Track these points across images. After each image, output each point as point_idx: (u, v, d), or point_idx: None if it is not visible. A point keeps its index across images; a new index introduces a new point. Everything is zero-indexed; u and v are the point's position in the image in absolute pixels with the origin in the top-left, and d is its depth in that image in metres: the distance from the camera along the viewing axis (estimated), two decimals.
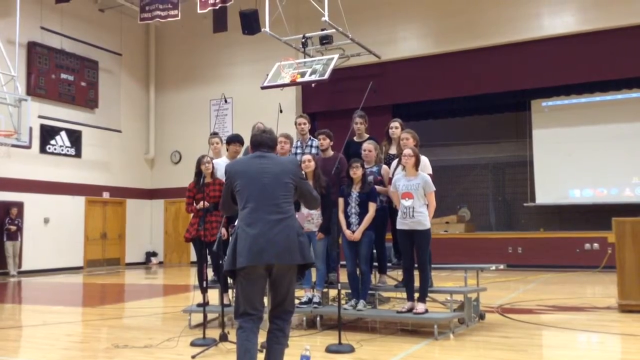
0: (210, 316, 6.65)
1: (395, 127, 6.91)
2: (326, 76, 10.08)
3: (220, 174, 7.03)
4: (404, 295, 6.32)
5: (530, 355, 5.22)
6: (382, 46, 15.76)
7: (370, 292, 6.58)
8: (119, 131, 18.79)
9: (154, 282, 14.15)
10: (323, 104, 16.41)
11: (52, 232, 16.40)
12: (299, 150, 7.22)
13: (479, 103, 16.13)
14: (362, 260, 6.25)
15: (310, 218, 6.32)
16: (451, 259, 12.57)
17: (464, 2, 15.64)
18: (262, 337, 3.95)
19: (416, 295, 6.06)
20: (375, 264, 6.70)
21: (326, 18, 11.90)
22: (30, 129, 13.48)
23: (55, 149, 16.75)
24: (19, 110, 12.90)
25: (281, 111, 7.06)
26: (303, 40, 13.38)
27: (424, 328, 6.25)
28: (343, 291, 6.49)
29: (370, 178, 6.51)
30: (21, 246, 15.33)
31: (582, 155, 15.12)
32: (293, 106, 16.71)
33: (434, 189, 6.08)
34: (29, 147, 13.82)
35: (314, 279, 6.57)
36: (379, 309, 6.97)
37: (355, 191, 6.31)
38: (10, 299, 10.88)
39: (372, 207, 6.24)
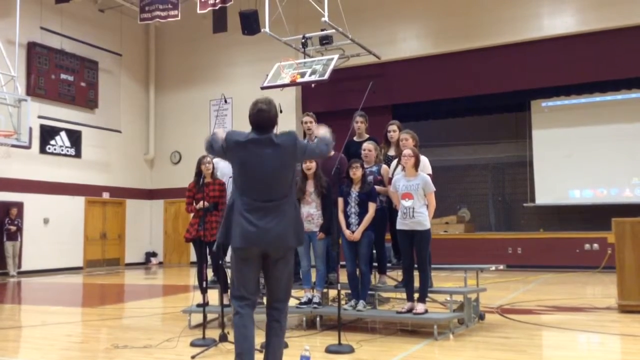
0: (210, 316, 6.64)
1: (393, 130, 6.91)
2: (326, 76, 10.08)
3: (220, 174, 7.04)
4: (404, 295, 6.32)
5: (530, 356, 5.22)
6: (381, 46, 15.76)
7: (370, 292, 6.57)
8: (119, 131, 18.80)
9: (153, 283, 14.14)
10: (323, 104, 16.40)
11: (52, 232, 16.39)
12: None
13: (478, 103, 16.13)
14: (362, 260, 6.25)
15: (310, 218, 6.32)
16: (451, 259, 12.55)
17: (464, 3, 15.65)
18: (261, 338, 3.95)
19: (416, 295, 6.06)
20: (375, 264, 6.69)
21: (326, 18, 11.89)
22: (30, 129, 13.48)
23: (55, 149, 16.75)
24: (18, 111, 12.89)
25: (281, 111, 7.04)
26: (303, 40, 13.36)
27: (423, 328, 6.25)
28: (343, 291, 6.49)
29: (370, 178, 6.51)
30: (21, 246, 15.33)
31: (582, 156, 15.12)
32: (293, 106, 16.72)
33: (434, 189, 6.09)
34: (28, 147, 13.82)
35: (313, 279, 6.57)
36: (379, 309, 6.97)
37: (354, 191, 6.31)
38: (10, 299, 10.87)
39: (371, 207, 6.24)
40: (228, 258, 5.89)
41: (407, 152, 6.08)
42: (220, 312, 6.33)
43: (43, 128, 16.34)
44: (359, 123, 7.09)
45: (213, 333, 5.76)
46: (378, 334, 6.14)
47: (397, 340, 5.87)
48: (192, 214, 7.01)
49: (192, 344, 5.59)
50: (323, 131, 4.16)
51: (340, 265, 6.62)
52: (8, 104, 12.78)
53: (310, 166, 6.29)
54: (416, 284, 6.08)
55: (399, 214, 6.08)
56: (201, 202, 6.52)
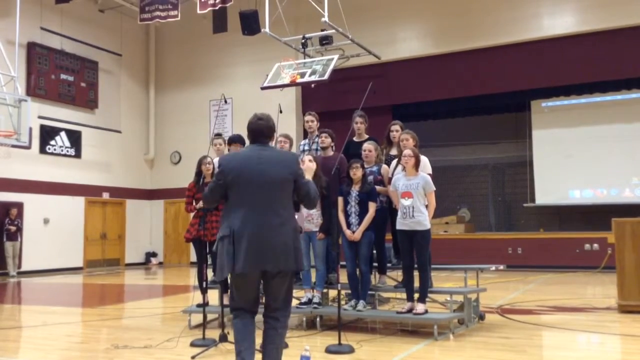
0: (210, 317, 6.64)
1: (396, 130, 6.92)
2: (326, 77, 10.07)
3: None
4: (404, 295, 6.32)
5: (530, 356, 5.22)
6: (381, 47, 15.76)
7: (370, 292, 6.57)
8: (119, 132, 18.80)
9: (153, 283, 14.15)
10: (323, 104, 16.37)
11: (52, 232, 16.39)
12: (306, 148, 7.23)
13: (478, 103, 16.14)
14: (362, 260, 6.25)
15: (310, 218, 6.33)
16: (451, 259, 12.56)
17: (464, 3, 15.65)
18: (261, 338, 3.94)
19: (416, 295, 6.06)
20: (375, 264, 6.70)
21: (326, 19, 11.89)
22: (30, 129, 13.47)
23: (55, 150, 16.75)
24: (18, 111, 12.89)
25: (281, 112, 7.05)
26: (303, 40, 13.36)
27: (423, 328, 6.25)
28: (343, 292, 6.49)
29: (370, 178, 6.52)
30: (21, 246, 15.33)
31: (581, 156, 15.13)
32: (293, 107, 16.73)
33: (434, 188, 6.09)
34: (28, 147, 13.81)
35: (313, 279, 6.57)
36: (379, 309, 6.97)
37: (355, 190, 6.31)
38: (10, 300, 10.88)
39: (372, 206, 6.24)
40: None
41: (407, 152, 6.08)
42: (220, 312, 6.33)
43: (43, 128, 16.34)
44: (359, 123, 7.10)
45: (213, 333, 5.76)
46: (378, 334, 6.14)
47: (397, 340, 5.87)
48: (192, 214, 7.01)
49: (192, 344, 5.59)
50: (309, 177, 4.15)
51: (340, 266, 6.62)
52: (8, 104, 12.77)
53: (310, 165, 6.27)
54: (416, 284, 6.08)
55: (399, 213, 6.08)
56: (201, 202, 6.52)
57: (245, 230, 3.71)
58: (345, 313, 6.11)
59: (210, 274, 6.80)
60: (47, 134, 16.50)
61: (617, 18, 14.05)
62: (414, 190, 5.97)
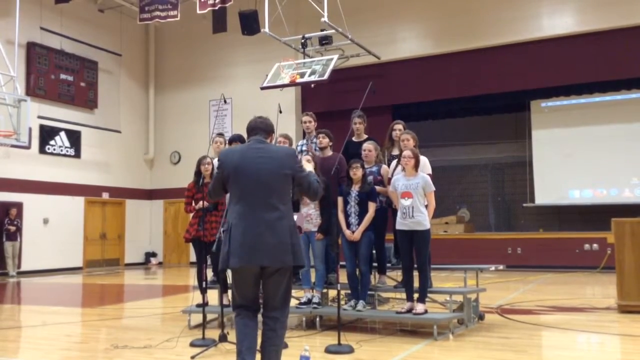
0: (209, 317, 6.64)
1: (398, 129, 6.92)
2: (326, 77, 10.07)
3: None
4: (404, 295, 6.32)
5: (530, 356, 5.22)
6: (381, 47, 15.76)
7: (369, 292, 6.57)
8: (119, 132, 18.79)
9: (153, 283, 14.14)
10: (322, 104, 16.41)
11: (52, 232, 16.39)
12: (304, 148, 7.23)
13: (478, 104, 16.15)
14: (362, 260, 6.25)
15: (309, 218, 6.32)
16: (450, 259, 12.58)
17: (464, 3, 15.65)
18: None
19: (415, 295, 6.06)
20: (375, 264, 6.70)
21: (326, 19, 11.89)
22: (30, 129, 13.49)
23: (54, 150, 16.75)
24: (18, 111, 12.89)
25: (281, 112, 7.05)
26: (302, 40, 13.36)
27: (423, 328, 6.25)
28: (342, 292, 6.49)
29: (370, 178, 6.52)
30: (20, 246, 15.33)
31: (581, 156, 15.13)
32: (293, 107, 16.72)
33: (434, 188, 6.09)
34: (28, 147, 13.83)
35: (313, 279, 6.57)
36: (379, 309, 6.97)
37: (354, 190, 6.31)
38: (10, 300, 10.87)
39: (371, 206, 6.24)
40: None
41: (406, 153, 6.08)
42: (220, 313, 6.33)
43: (43, 128, 16.34)
44: (358, 124, 7.10)
45: (213, 333, 5.76)
46: (378, 334, 6.14)
47: (397, 340, 5.87)
48: (191, 214, 7.01)
49: (192, 344, 5.59)
50: (310, 168, 4.20)
51: (340, 266, 6.62)
52: (8, 104, 12.78)
53: (308, 166, 6.27)
54: (416, 284, 6.08)
55: (399, 213, 6.08)
56: (201, 202, 6.52)
57: (241, 225, 3.72)
58: (344, 313, 6.11)
59: (209, 274, 6.81)
60: (47, 134, 16.50)
61: (616, 18, 14.06)
62: (413, 191, 5.98)
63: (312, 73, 10.17)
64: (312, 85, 12.67)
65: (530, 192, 15.99)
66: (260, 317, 3.90)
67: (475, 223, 17.56)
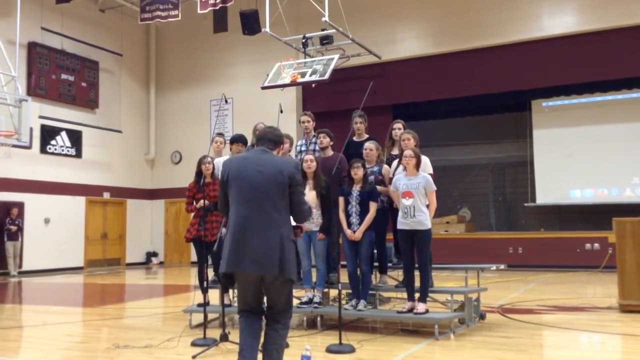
0: (210, 316, 6.63)
1: (398, 128, 6.93)
2: (326, 76, 10.08)
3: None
4: (405, 295, 6.32)
5: (531, 355, 5.22)
6: (382, 46, 15.76)
7: (370, 292, 6.57)
8: (120, 131, 18.80)
9: (154, 282, 14.15)
10: (323, 104, 16.41)
11: (53, 232, 16.40)
12: (303, 148, 7.22)
13: (479, 103, 16.13)
14: (363, 260, 6.25)
15: (310, 218, 6.32)
16: (452, 259, 12.56)
17: (464, 3, 15.64)
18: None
19: (417, 295, 6.05)
20: (376, 264, 6.70)
21: (326, 18, 11.90)
22: (31, 129, 13.49)
23: (55, 149, 16.76)
24: (19, 111, 12.91)
25: (281, 111, 7.07)
26: (303, 40, 13.37)
27: (424, 328, 6.25)
28: (343, 291, 6.48)
29: (371, 178, 6.52)
30: (22, 246, 15.34)
31: (582, 156, 15.12)
32: (293, 106, 16.72)
33: (435, 188, 6.09)
34: (29, 147, 13.83)
35: (314, 279, 6.57)
36: (380, 309, 6.97)
37: (356, 190, 6.31)
38: (11, 299, 10.88)
39: (372, 206, 6.24)
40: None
41: (407, 152, 6.08)
42: (221, 312, 6.32)
43: (44, 128, 16.35)
44: (358, 123, 7.09)
45: (214, 333, 5.76)
46: (379, 334, 6.14)
47: (398, 340, 5.87)
48: (192, 214, 7.01)
49: (193, 344, 5.59)
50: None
51: (341, 265, 6.61)
52: (9, 104, 12.80)
53: (311, 165, 6.29)
54: (417, 283, 6.07)
55: (400, 213, 6.08)
56: (201, 202, 6.52)
57: (234, 231, 3.74)
58: (346, 313, 6.11)
59: (210, 273, 6.81)
60: (48, 133, 16.51)
61: (617, 17, 14.05)
62: (414, 190, 5.98)
63: (313, 73, 10.19)
64: (313, 85, 12.68)
65: (531, 192, 15.98)
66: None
67: (476, 223, 17.56)
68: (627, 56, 13.88)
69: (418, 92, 16.07)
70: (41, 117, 16.17)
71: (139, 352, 5.45)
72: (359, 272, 6.32)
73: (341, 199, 6.40)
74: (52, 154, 16.66)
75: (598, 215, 14.46)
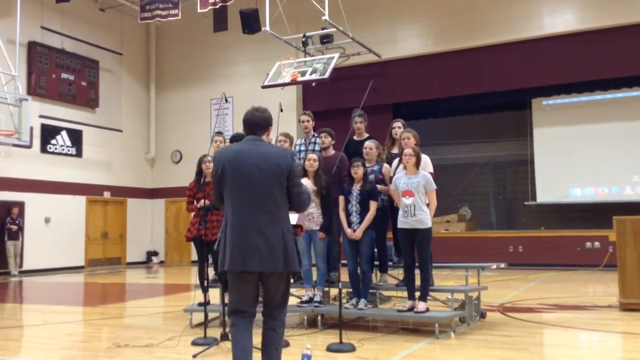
0: (211, 315, 6.63)
1: (398, 126, 6.94)
2: (327, 75, 10.09)
3: None
4: (405, 294, 6.32)
5: (532, 354, 5.22)
6: (382, 45, 15.75)
7: (371, 291, 6.57)
8: (120, 131, 18.80)
9: (154, 282, 14.16)
10: (323, 103, 16.41)
11: (53, 231, 16.40)
12: (302, 148, 7.22)
13: (479, 102, 16.12)
14: (363, 259, 6.25)
15: (310, 217, 6.32)
16: (452, 257, 12.57)
17: (465, 1, 15.62)
18: (257, 337, 3.94)
19: (417, 294, 6.06)
20: (376, 263, 6.70)
21: (326, 17, 11.89)
22: (31, 128, 13.50)
23: (56, 149, 16.76)
24: (19, 110, 12.91)
25: (282, 110, 7.04)
26: (303, 39, 13.36)
27: (425, 327, 6.25)
28: (344, 290, 6.49)
29: (371, 177, 6.51)
30: (22, 246, 15.34)
31: (583, 154, 15.11)
32: (294, 105, 16.72)
33: (435, 187, 6.09)
34: (29, 146, 13.83)
35: (314, 278, 6.57)
36: (380, 308, 6.97)
37: (356, 189, 6.31)
38: (12, 299, 10.89)
39: (373, 205, 6.24)
40: None
41: (407, 151, 6.08)
42: (221, 311, 6.32)
43: (44, 127, 16.35)
44: (358, 123, 7.09)
45: (214, 332, 5.77)
46: (379, 333, 6.14)
47: (399, 338, 5.87)
48: (192, 213, 7.01)
49: (194, 343, 5.59)
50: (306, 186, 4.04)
51: (341, 264, 6.61)
52: (9, 104, 12.80)
53: (314, 164, 6.29)
54: (417, 282, 6.08)
55: (400, 212, 6.08)
56: (202, 201, 6.52)
57: (234, 228, 3.63)
58: (346, 312, 6.11)
59: (211, 272, 6.81)
60: (48, 133, 16.51)
61: (617, 16, 14.03)
62: (415, 189, 5.98)
63: (313, 72, 10.20)
64: (313, 84, 12.68)
65: (531, 190, 15.98)
66: (258, 316, 3.85)
67: (476, 221, 17.56)
68: (628, 54, 13.87)
69: (418, 91, 16.05)
70: (41, 116, 16.17)
71: (139, 351, 5.45)
72: (359, 271, 6.33)
73: (341, 198, 6.40)
74: (53, 153, 16.66)
75: (598, 214, 14.46)
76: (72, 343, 6.18)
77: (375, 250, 6.56)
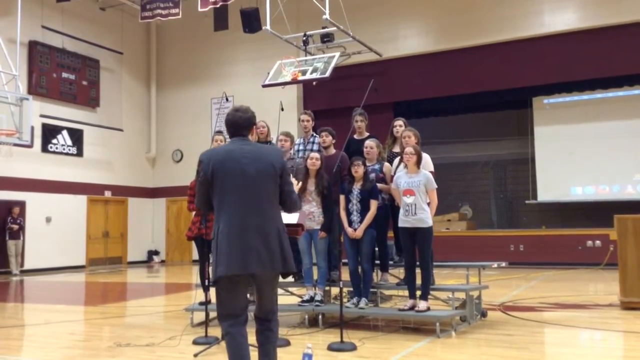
0: (212, 314, 6.60)
1: (399, 125, 6.94)
2: (327, 74, 10.08)
3: None
4: (406, 293, 6.32)
5: (532, 353, 5.22)
6: (383, 44, 15.74)
7: (372, 290, 6.58)
8: (121, 130, 18.81)
9: (156, 281, 14.16)
10: (324, 102, 16.40)
11: (54, 231, 16.42)
12: (301, 147, 7.22)
13: (480, 100, 16.11)
14: (364, 258, 6.25)
15: (311, 216, 6.33)
16: (453, 256, 12.57)
17: (465, 0, 15.61)
18: (251, 337, 3.92)
19: (418, 293, 6.06)
20: (377, 261, 6.70)
21: (327, 16, 11.88)
22: (32, 128, 13.50)
23: (57, 148, 16.77)
24: (20, 110, 12.91)
25: (282, 109, 7.06)
26: (304, 38, 13.34)
27: (426, 326, 6.25)
28: (345, 289, 6.49)
29: (372, 176, 6.51)
30: (23, 245, 15.36)
31: (583, 153, 15.10)
32: (294, 104, 16.72)
33: (436, 186, 6.09)
34: (30, 146, 13.83)
35: (315, 277, 6.57)
36: (381, 307, 6.97)
37: (356, 188, 6.31)
38: (13, 298, 10.90)
39: (373, 204, 6.24)
40: None
41: (408, 150, 6.08)
42: None
43: (45, 127, 16.35)
44: (359, 122, 7.09)
45: (215, 331, 5.76)
46: (380, 332, 6.15)
47: (400, 337, 5.87)
48: (193, 212, 7.01)
49: (195, 342, 5.60)
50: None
51: (342, 263, 6.61)
52: (10, 103, 12.80)
53: (315, 163, 6.30)
54: (418, 281, 6.08)
55: (401, 211, 6.08)
56: None
57: (228, 231, 3.53)
58: (347, 311, 6.11)
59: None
60: (49, 132, 16.52)
61: (618, 14, 14.02)
62: (415, 188, 5.97)
63: (314, 70, 10.19)
64: (314, 83, 12.68)
65: (532, 189, 15.97)
66: (250, 316, 3.78)
67: (477, 220, 17.56)
68: (629, 53, 13.86)
69: (419, 90, 16.05)
70: (42, 115, 16.18)
71: (140, 350, 5.46)
72: (360, 270, 6.33)
73: (342, 197, 6.40)
74: (54, 152, 16.67)
75: (599, 213, 14.44)
76: (73, 342, 6.18)
77: (376, 249, 6.56)
